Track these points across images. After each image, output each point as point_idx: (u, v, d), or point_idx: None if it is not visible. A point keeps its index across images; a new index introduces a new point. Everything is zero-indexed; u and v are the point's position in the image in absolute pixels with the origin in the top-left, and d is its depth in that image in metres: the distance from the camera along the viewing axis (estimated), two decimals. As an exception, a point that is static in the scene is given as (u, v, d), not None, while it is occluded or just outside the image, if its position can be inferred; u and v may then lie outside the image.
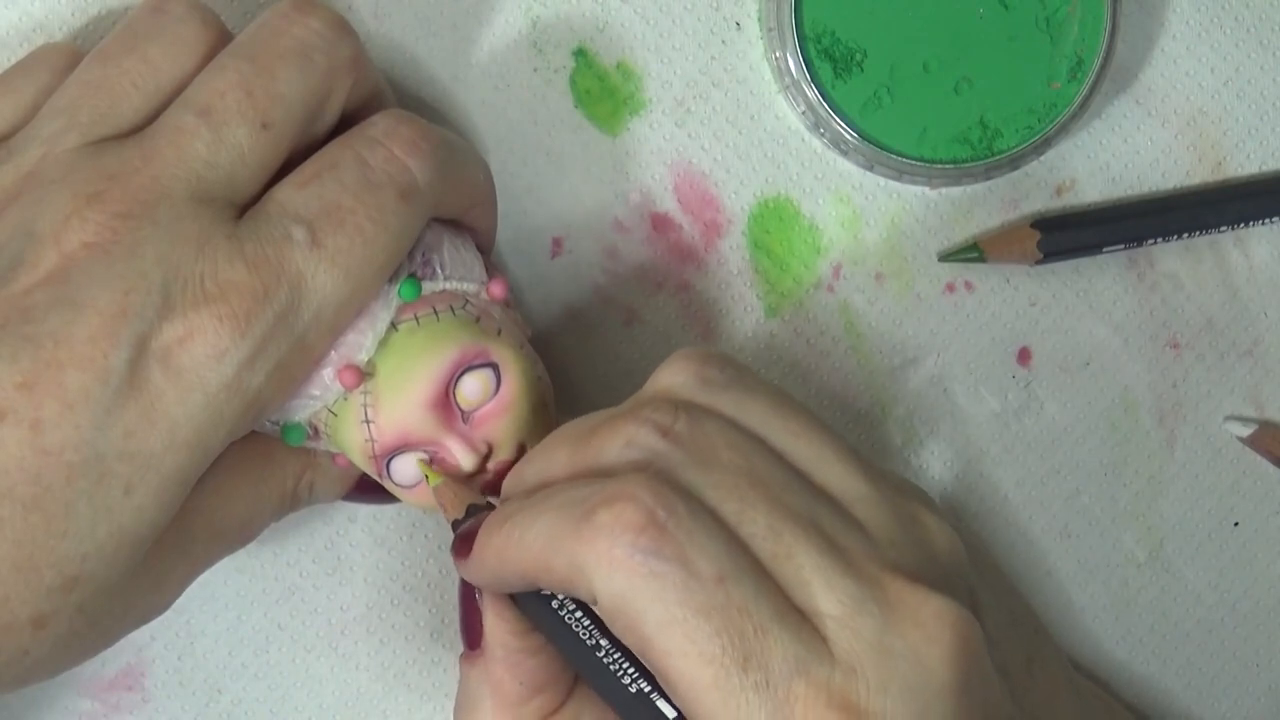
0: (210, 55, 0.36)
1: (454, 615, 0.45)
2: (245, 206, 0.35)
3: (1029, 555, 0.48)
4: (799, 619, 0.32)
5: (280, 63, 0.36)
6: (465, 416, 0.37)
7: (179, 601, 0.44)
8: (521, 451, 0.38)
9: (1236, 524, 0.48)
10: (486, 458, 0.38)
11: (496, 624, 0.36)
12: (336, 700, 0.45)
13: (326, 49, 0.36)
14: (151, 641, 0.44)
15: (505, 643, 0.36)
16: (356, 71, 0.37)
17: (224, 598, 0.44)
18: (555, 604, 0.35)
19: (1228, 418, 0.48)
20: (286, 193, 0.35)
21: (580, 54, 0.45)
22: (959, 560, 0.36)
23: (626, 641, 0.33)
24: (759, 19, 0.45)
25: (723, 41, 0.45)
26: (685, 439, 0.34)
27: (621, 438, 0.34)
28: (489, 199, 0.40)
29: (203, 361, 0.33)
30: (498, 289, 0.39)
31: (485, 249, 0.41)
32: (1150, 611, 0.48)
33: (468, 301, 0.38)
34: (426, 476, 0.37)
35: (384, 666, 0.45)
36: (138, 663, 0.44)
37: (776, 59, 0.44)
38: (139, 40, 0.36)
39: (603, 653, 0.34)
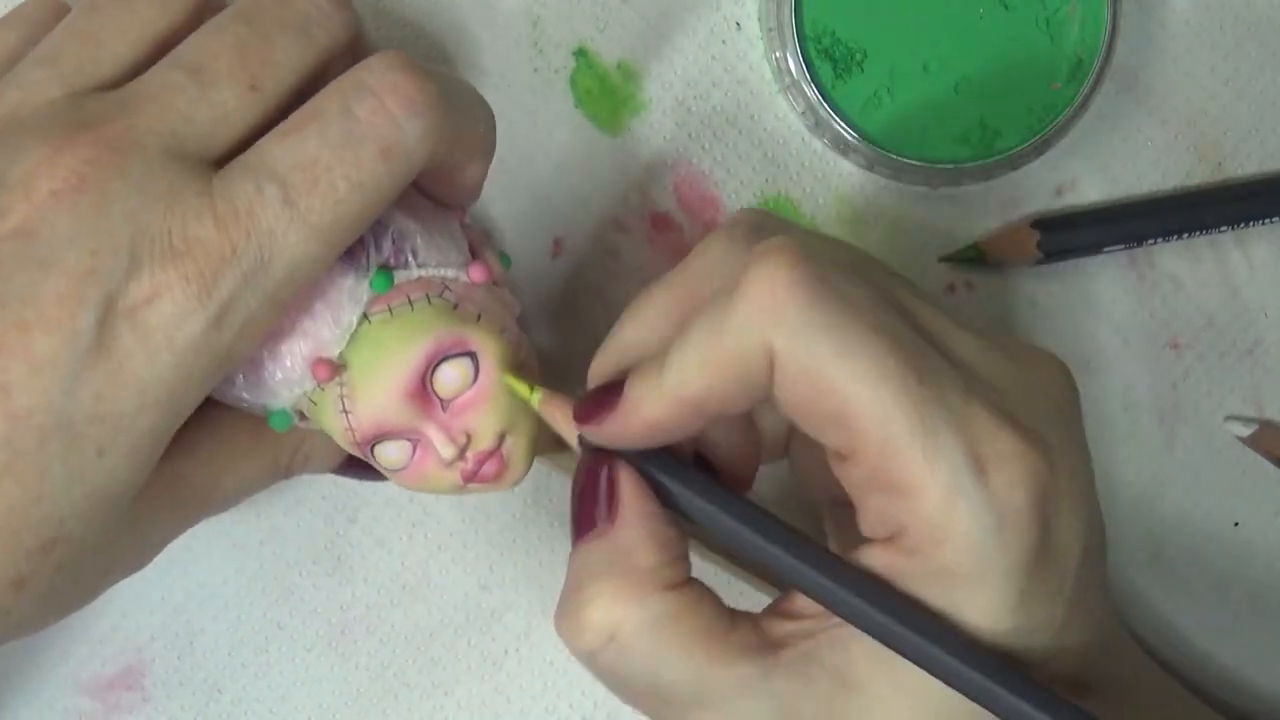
0: (198, 11, 0.36)
1: (454, 615, 0.45)
2: (222, 161, 0.35)
3: (1029, 555, 0.48)
4: (946, 355, 0.34)
5: (279, 31, 0.35)
6: (444, 404, 0.37)
7: (179, 601, 0.44)
8: (501, 440, 0.38)
9: (1236, 524, 0.48)
10: (465, 447, 0.37)
11: (636, 491, 0.35)
12: (336, 700, 0.45)
13: (327, 24, 0.36)
14: (151, 641, 0.44)
15: (643, 508, 0.35)
16: (355, 50, 0.37)
17: (224, 598, 0.44)
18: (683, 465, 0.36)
19: (1228, 418, 0.48)
20: (268, 145, 0.34)
21: (580, 54, 0.45)
22: None
23: (802, 398, 0.33)
24: (759, 19, 0.45)
25: (723, 41, 0.45)
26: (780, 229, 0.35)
27: (720, 239, 0.35)
28: (486, 151, 0.39)
29: (170, 321, 0.33)
30: (478, 273, 0.38)
31: (469, 200, 0.40)
32: (1150, 612, 0.48)
33: (446, 287, 0.37)
34: (529, 391, 0.37)
35: (384, 666, 0.45)
36: (138, 663, 0.44)
37: (776, 59, 0.44)
38: None
39: (744, 507, 0.35)
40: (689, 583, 0.36)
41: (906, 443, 0.32)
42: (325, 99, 0.35)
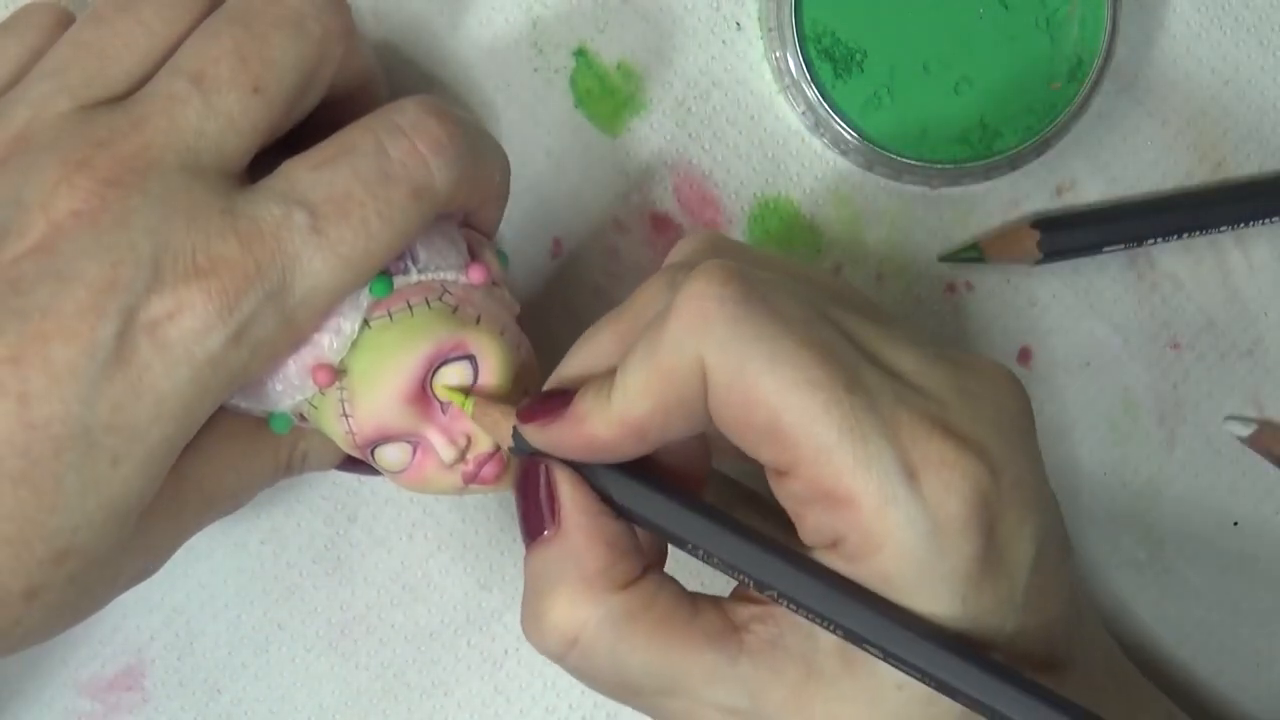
0: (203, 17, 0.36)
1: (453, 614, 0.45)
2: (238, 174, 0.35)
3: (1029, 555, 0.47)
4: (881, 365, 0.34)
5: (274, 29, 0.35)
6: (444, 408, 0.37)
7: (179, 601, 0.44)
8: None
9: (1236, 524, 0.48)
10: (466, 450, 0.38)
11: (576, 493, 0.35)
12: (336, 700, 0.45)
13: (320, 17, 0.36)
14: (151, 641, 0.44)
15: (587, 508, 0.35)
16: (348, 42, 0.37)
17: (224, 598, 0.44)
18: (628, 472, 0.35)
19: (1228, 418, 0.48)
20: (299, 172, 0.35)
21: (580, 54, 0.45)
22: None
23: (736, 411, 0.33)
24: (759, 19, 0.45)
25: (723, 41, 0.45)
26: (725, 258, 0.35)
27: (659, 282, 0.35)
28: (501, 196, 0.40)
29: (190, 336, 0.33)
30: (477, 274, 0.38)
31: (487, 236, 0.41)
32: (1150, 611, 0.48)
33: (445, 291, 0.38)
34: (462, 406, 0.37)
35: (384, 666, 0.45)
36: (138, 663, 0.44)
37: (776, 59, 0.44)
38: (132, 1, 0.36)
39: (707, 507, 0.35)
40: (646, 575, 0.36)
41: (837, 450, 0.32)
42: (359, 135, 0.35)
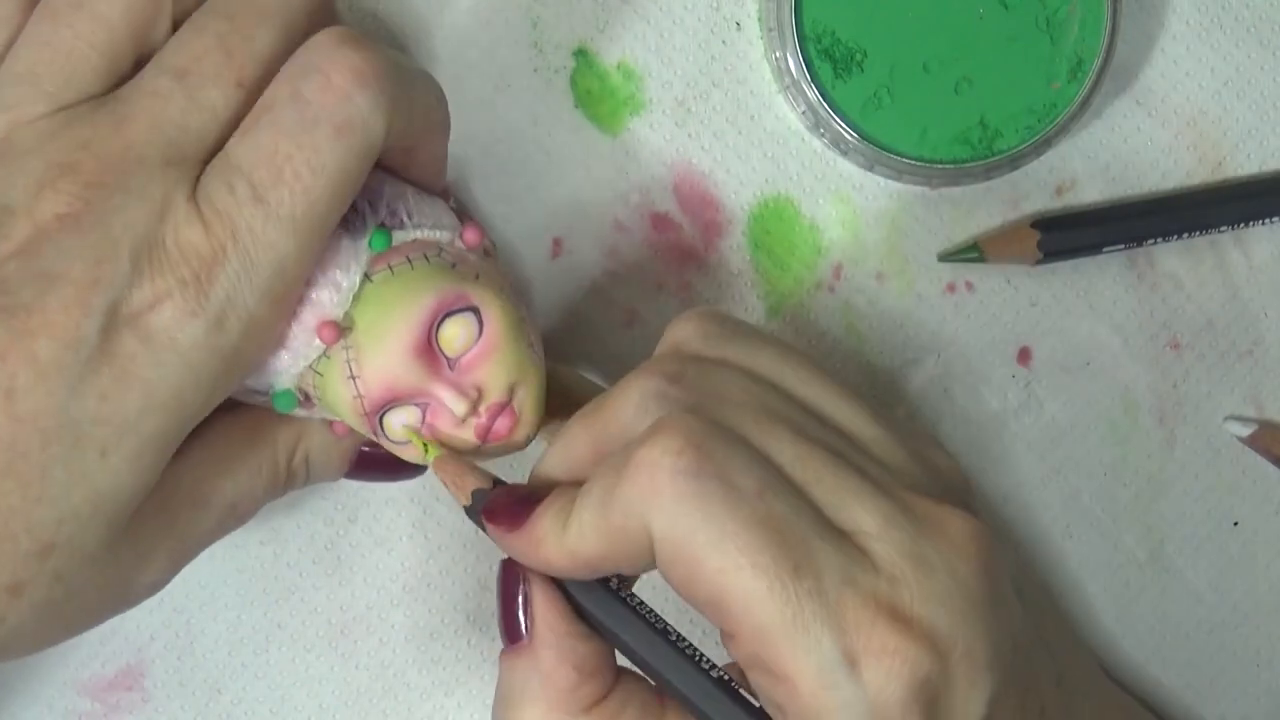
0: (158, 2, 0.36)
1: (453, 615, 0.45)
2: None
3: (1030, 556, 0.48)
4: (837, 534, 0.33)
5: (260, 23, 0.35)
6: (451, 363, 0.37)
7: (179, 601, 0.44)
8: (511, 393, 0.38)
9: (1236, 524, 0.48)
10: (477, 402, 0.38)
11: (548, 609, 0.36)
12: (336, 700, 0.45)
13: (305, 7, 0.36)
14: (151, 641, 0.44)
15: (556, 628, 0.36)
16: (331, 26, 0.36)
17: (224, 598, 0.44)
18: (614, 585, 0.36)
19: (1228, 418, 0.48)
20: (233, 143, 0.35)
21: (580, 54, 0.45)
22: (968, 491, 0.39)
23: (680, 580, 0.33)
24: (759, 19, 0.45)
25: (723, 41, 0.45)
26: (696, 384, 0.35)
27: (634, 395, 0.35)
28: (443, 127, 0.39)
29: (172, 325, 0.33)
30: (472, 236, 0.38)
31: (437, 182, 0.40)
32: (1150, 611, 0.48)
33: (442, 249, 0.38)
34: (425, 449, 0.37)
35: (384, 666, 0.45)
36: (138, 663, 0.44)
37: (776, 59, 0.44)
38: None
39: (672, 636, 0.35)
40: (614, 691, 0.36)
41: (779, 635, 0.32)
42: (275, 87, 0.35)
